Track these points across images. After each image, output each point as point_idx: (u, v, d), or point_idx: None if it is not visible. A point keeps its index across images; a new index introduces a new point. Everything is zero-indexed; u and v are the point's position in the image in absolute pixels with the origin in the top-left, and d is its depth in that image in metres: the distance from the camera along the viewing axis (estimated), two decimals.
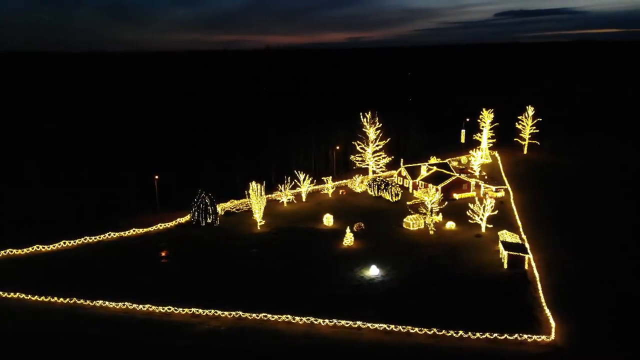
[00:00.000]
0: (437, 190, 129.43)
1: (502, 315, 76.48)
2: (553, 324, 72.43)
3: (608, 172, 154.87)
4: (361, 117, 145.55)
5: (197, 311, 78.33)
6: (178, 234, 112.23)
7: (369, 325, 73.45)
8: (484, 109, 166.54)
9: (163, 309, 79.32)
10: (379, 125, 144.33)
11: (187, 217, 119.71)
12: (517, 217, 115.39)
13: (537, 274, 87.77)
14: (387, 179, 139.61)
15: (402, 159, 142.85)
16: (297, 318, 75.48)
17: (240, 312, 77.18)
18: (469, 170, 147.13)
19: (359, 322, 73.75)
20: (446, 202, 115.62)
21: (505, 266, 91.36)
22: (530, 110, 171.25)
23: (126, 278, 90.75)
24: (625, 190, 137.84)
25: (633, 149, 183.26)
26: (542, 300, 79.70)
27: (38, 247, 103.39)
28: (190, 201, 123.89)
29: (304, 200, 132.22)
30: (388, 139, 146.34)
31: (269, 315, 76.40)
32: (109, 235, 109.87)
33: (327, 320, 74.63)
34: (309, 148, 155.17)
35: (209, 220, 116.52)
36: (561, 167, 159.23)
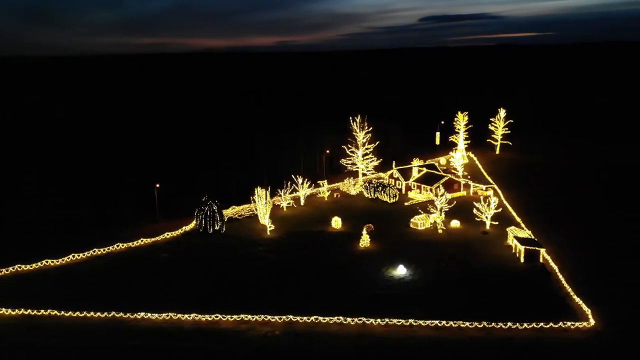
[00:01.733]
0: (431, 190, 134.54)
1: (536, 306, 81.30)
2: (588, 310, 77.95)
3: (579, 168, 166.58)
4: (351, 121, 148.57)
5: (246, 317, 78.45)
6: (189, 242, 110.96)
7: (421, 322, 76.22)
8: (459, 112, 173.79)
9: (210, 317, 78.88)
10: (369, 129, 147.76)
11: (192, 225, 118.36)
12: (513, 213, 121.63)
13: (555, 266, 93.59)
14: (380, 181, 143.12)
15: (394, 162, 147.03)
16: (349, 319, 77.18)
17: (292, 316, 78.02)
18: (452, 171, 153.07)
19: (410, 320, 76.40)
20: (454, 202, 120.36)
21: (522, 260, 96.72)
22: (502, 112, 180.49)
23: (157, 288, 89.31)
24: (601, 183, 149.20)
25: (595, 146, 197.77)
26: (569, 289, 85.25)
27: (47, 262, 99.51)
28: (186, 209, 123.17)
29: (302, 204, 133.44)
30: (377, 142, 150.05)
31: (320, 318, 77.69)
32: (118, 246, 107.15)
33: (379, 320, 76.80)
34: (296, 152, 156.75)
35: (216, 228, 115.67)
36: (535, 165, 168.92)
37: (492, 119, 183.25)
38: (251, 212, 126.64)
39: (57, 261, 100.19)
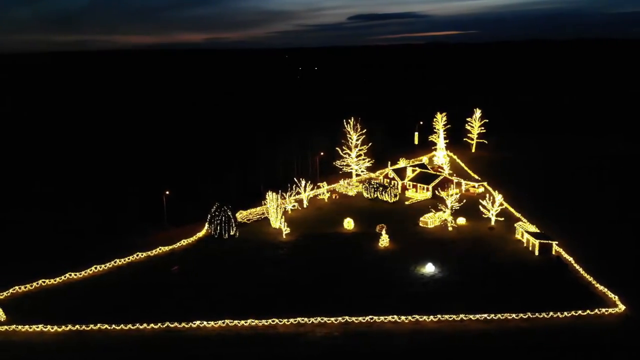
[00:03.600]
0: (428, 189, 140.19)
1: (564, 295, 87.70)
2: (615, 297, 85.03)
3: (555, 162, 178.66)
4: (344, 123, 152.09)
5: (303, 320, 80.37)
6: (209, 248, 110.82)
7: (471, 316, 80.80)
8: (438, 113, 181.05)
9: (267, 321, 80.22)
10: (363, 131, 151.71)
11: (204, 231, 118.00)
12: (512, 209, 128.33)
13: (569, 257, 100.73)
14: (377, 181, 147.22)
15: (389, 162, 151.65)
16: (403, 317, 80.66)
17: (347, 317, 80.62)
18: (439, 169, 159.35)
19: (461, 315, 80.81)
20: (464, 200, 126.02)
21: (537, 253, 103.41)
22: (478, 112, 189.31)
23: (199, 296, 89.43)
24: (582, 175, 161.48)
25: (560, 140, 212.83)
26: (590, 278, 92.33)
27: (70, 275, 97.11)
28: (189, 215, 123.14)
29: (305, 206, 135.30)
30: (370, 143, 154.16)
31: (374, 318, 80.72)
32: (137, 256, 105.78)
33: (431, 317, 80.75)
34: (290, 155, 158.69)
35: (231, 233, 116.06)
36: (512, 162, 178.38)
37: (468, 119, 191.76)
38: (259, 216, 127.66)
39: (80, 274, 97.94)
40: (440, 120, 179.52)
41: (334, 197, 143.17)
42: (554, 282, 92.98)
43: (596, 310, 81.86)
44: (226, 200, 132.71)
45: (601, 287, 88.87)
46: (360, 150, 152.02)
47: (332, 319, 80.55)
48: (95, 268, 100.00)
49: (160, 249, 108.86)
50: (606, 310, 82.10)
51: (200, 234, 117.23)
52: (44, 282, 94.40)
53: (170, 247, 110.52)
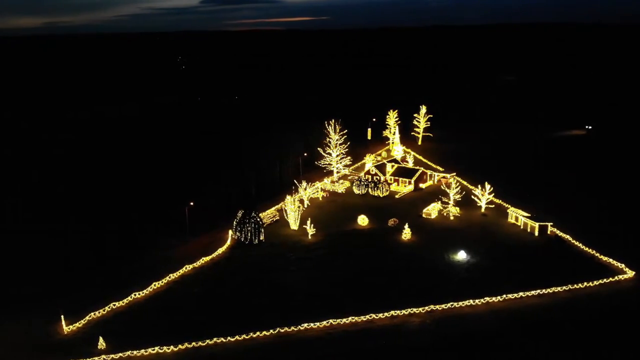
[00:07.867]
0: (410, 182, 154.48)
1: (579, 268, 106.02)
2: (621, 265, 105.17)
3: (498, 149, 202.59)
4: (326, 124, 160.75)
5: (395, 313, 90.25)
6: (249, 255, 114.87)
7: (528, 293, 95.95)
8: (390, 110, 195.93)
9: (364, 317, 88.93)
10: (345, 131, 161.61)
11: (230, 238, 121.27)
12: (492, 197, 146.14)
13: (565, 235, 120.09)
14: (360, 177, 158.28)
15: (366, 156, 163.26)
16: (477, 300, 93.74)
17: (432, 306, 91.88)
18: (404, 163, 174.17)
19: (520, 293, 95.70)
20: (464, 192, 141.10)
21: (537, 234, 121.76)
22: (424, 109, 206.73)
23: (280, 300, 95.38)
24: (533, 158, 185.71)
25: (489, 128, 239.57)
26: (593, 251, 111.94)
27: (135, 295, 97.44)
28: (201, 224, 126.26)
29: (306, 206, 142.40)
30: (348, 143, 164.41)
31: (455, 304, 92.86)
32: (186, 269, 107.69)
33: (498, 297, 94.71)
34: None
35: (261, 238, 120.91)
36: (459, 152, 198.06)
37: (415, 115, 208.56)
38: (272, 219, 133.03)
39: (142, 292, 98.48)
40: (392, 117, 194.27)
41: (324, 195, 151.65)
42: (562, 258, 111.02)
43: (616, 277, 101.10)
44: (225, 208, 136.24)
45: (605, 258, 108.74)
46: (340, 150, 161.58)
47: (420, 309, 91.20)
48: (155, 285, 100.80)
49: (203, 260, 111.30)
50: (622, 277, 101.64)
51: (229, 242, 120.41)
52: (114, 305, 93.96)
53: (210, 257, 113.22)
